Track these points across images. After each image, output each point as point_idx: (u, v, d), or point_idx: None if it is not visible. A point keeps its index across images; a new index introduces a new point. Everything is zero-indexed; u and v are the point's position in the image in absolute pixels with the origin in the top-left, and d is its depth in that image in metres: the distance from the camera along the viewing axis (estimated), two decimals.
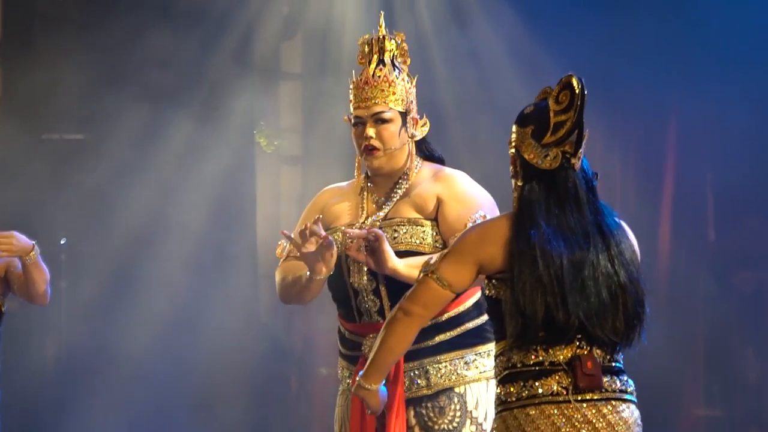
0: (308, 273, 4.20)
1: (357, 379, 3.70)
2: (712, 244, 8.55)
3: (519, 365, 3.51)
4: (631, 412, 3.56)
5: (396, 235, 4.22)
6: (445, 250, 3.62)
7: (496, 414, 3.58)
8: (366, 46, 4.37)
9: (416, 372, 4.23)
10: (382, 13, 4.46)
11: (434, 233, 4.25)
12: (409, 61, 4.39)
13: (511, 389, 3.51)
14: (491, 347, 4.22)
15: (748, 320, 8.43)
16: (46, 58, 8.55)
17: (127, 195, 8.17)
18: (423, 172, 4.37)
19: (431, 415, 4.22)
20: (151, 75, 8.52)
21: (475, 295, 4.30)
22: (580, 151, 3.58)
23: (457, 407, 4.23)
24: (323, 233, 4.14)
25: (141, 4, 8.60)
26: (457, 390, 4.24)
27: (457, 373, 4.24)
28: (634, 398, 3.58)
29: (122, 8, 8.56)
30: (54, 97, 8.53)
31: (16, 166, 8.46)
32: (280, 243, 4.43)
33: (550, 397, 3.47)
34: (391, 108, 4.30)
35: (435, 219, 4.25)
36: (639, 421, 3.59)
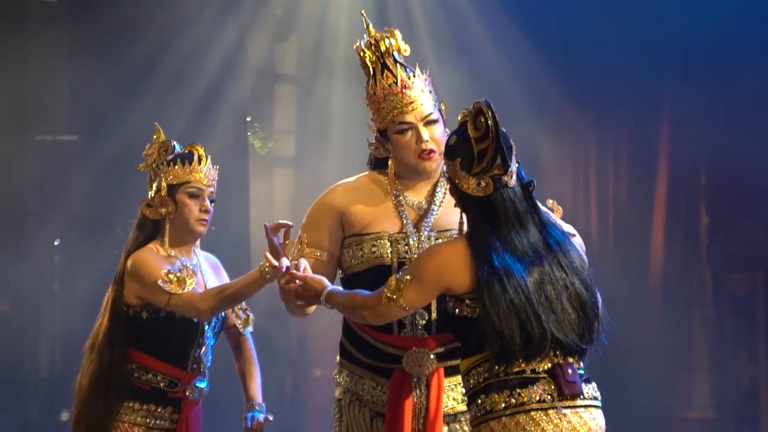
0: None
1: (325, 293, 3.95)
2: (705, 247, 8.55)
3: (502, 375, 3.65)
4: (602, 419, 3.72)
5: None
6: (406, 274, 3.75)
7: (477, 423, 3.68)
8: (370, 52, 4.20)
9: (453, 387, 4.18)
10: (363, 12, 4.33)
11: None
12: (408, 52, 4.23)
13: (497, 398, 3.64)
14: None
15: (741, 323, 8.44)
16: (38, 60, 8.53)
17: (120, 196, 8.16)
18: None
19: (466, 428, 4.17)
20: (145, 76, 8.51)
21: None
22: (511, 169, 3.71)
23: None
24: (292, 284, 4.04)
25: (134, 5, 8.60)
26: None
27: None
28: (601, 404, 3.75)
29: (114, 9, 8.55)
30: (47, 98, 8.52)
31: (10, 167, 8.45)
32: (288, 242, 4.26)
33: (536, 404, 3.61)
34: (434, 107, 4.19)
35: None
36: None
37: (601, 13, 8.34)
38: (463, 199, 3.77)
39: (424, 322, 4.13)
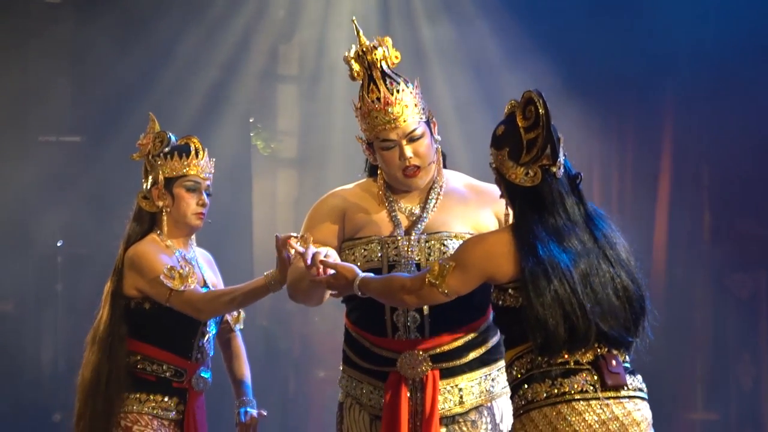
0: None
1: (357, 281, 3.90)
2: (708, 247, 8.55)
3: (544, 365, 3.62)
4: (648, 410, 3.68)
5: (445, 249, 4.11)
6: (449, 260, 3.73)
7: (519, 413, 3.67)
8: (358, 64, 4.18)
9: (450, 389, 4.17)
10: (354, 19, 4.29)
11: None
12: (399, 59, 4.20)
13: (538, 388, 3.62)
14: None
15: (744, 323, 8.43)
16: (41, 60, 8.54)
17: (123, 197, 8.16)
18: (451, 180, 4.28)
19: (464, 429, 4.18)
20: (147, 78, 8.51)
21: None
22: (559, 160, 3.69)
23: (488, 419, 4.20)
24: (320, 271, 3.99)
25: (136, 6, 8.60)
26: (485, 404, 4.21)
27: (487, 391, 4.20)
28: (647, 396, 3.71)
29: (117, 11, 8.56)
30: (50, 99, 8.52)
31: (13, 168, 8.45)
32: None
33: (578, 394, 3.58)
34: (419, 122, 4.14)
35: None
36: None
37: (606, 13, 8.34)
38: (509, 189, 3.74)
39: (416, 324, 4.13)
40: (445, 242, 4.13)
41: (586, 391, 3.58)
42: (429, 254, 4.11)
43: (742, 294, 8.49)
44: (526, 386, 3.65)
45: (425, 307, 4.09)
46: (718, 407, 8.51)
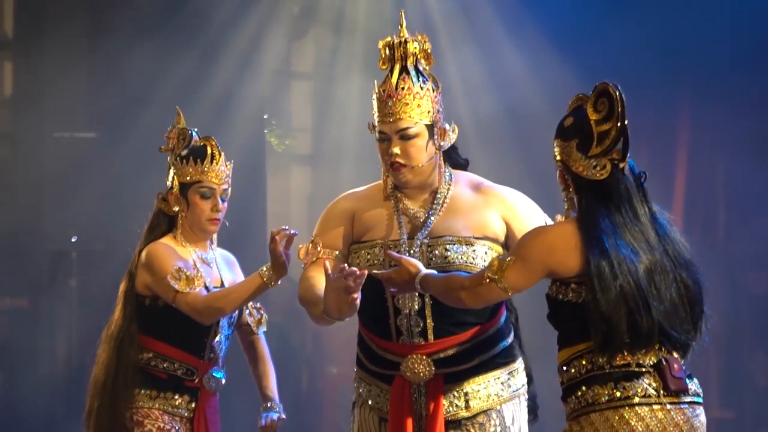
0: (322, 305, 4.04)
1: (419, 277, 3.85)
2: (723, 245, 8.53)
3: (606, 367, 3.55)
4: (704, 416, 3.63)
5: (448, 254, 4.08)
6: (508, 255, 3.66)
7: (576, 415, 3.60)
8: (387, 50, 4.17)
9: (456, 394, 4.14)
10: (403, 11, 4.25)
11: (483, 253, 4.09)
12: (432, 63, 4.19)
13: (600, 390, 3.55)
14: (519, 365, 4.24)
15: (759, 321, 8.42)
16: (57, 58, 8.55)
17: (137, 193, 8.17)
18: (459, 183, 4.25)
19: (472, 431, 4.16)
20: (162, 74, 8.52)
21: (505, 312, 4.24)
22: (627, 155, 3.63)
23: (497, 422, 4.16)
24: (357, 272, 3.91)
25: (150, 2, 8.61)
26: (494, 407, 4.17)
27: (496, 394, 4.17)
28: (702, 401, 3.66)
29: (132, 8, 8.57)
30: (65, 95, 8.54)
31: (28, 163, 8.47)
32: (301, 246, 4.27)
33: (641, 399, 3.52)
34: (416, 122, 4.11)
35: (493, 240, 4.13)
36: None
37: (619, 14, 8.34)
38: (575, 182, 3.65)
39: (419, 328, 4.10)
40: (448, 247, 4.10)
41: (649, 396, 3.52)
42: (431, 259, 4.08)
43: (757, 291, 8.48)
44: (585, 388, 3.57)
45: (428, 312, 4.08)
46: (733, 405, 8.49)
